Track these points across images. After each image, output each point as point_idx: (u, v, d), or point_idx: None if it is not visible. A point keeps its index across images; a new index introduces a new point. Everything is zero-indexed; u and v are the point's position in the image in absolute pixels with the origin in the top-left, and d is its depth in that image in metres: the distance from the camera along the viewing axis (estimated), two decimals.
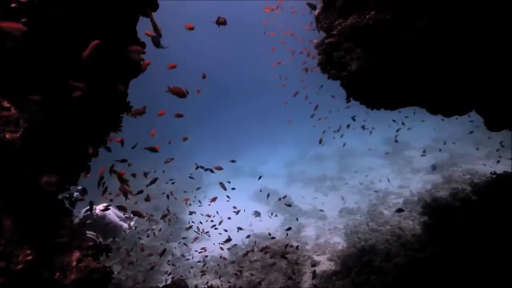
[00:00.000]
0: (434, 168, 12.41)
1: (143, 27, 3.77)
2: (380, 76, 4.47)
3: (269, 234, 8.96)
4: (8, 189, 1.94)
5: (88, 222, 6.22)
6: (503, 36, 3.48)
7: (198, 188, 13.67)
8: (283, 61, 11.67)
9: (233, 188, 8.42)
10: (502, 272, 4.12)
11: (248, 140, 30.42)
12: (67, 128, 2.45)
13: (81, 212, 6.27)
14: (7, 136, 1.93)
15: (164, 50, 3.82)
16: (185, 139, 8.07)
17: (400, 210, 7.34)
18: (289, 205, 9.04)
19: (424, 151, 12.29)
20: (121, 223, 6.78)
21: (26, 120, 1.98)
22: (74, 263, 2.13)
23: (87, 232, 6.13)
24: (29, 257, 1.81)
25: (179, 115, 6.24)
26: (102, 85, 2.63)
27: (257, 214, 8.23)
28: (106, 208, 6.36)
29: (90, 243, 2.31)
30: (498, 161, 10.05)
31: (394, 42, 4.08)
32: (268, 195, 13.09)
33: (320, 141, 9.65)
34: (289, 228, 9.03)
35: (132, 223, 7.00)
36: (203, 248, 8.55)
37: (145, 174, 7.40)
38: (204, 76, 6.54)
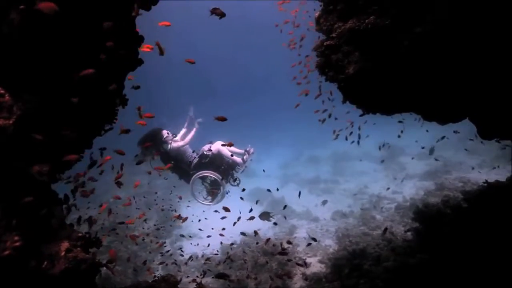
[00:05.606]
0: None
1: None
2: (377, 80, 4.49)
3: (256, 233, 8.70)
4: None
5: (204, 161, 6.84)
6: (497, 45, 3.53)
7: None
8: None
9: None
10: (489, 277, 4.17)
11: (242, 140, 30.23)
12: (61, 118, 2.43)
13: (200, 150, 6.92)
14: (0, 122, 1.90)
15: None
16: None
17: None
18: (284, 216, 8.80)
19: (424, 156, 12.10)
20: (236, 158, 7.24)
21: (20, 108, 1.96)
22: (63, 253, 2.11)
23: (205, 171, 6.75)
24: (17, 243, 1.78)
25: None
26: (98, 76, 2.62)
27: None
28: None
29: (79, 234, 2.31)
30: (494, 167, 10.11)
31: (392, 47, 4.11)
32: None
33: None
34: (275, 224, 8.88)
35: (245, 157, 7.41)
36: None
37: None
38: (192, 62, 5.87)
